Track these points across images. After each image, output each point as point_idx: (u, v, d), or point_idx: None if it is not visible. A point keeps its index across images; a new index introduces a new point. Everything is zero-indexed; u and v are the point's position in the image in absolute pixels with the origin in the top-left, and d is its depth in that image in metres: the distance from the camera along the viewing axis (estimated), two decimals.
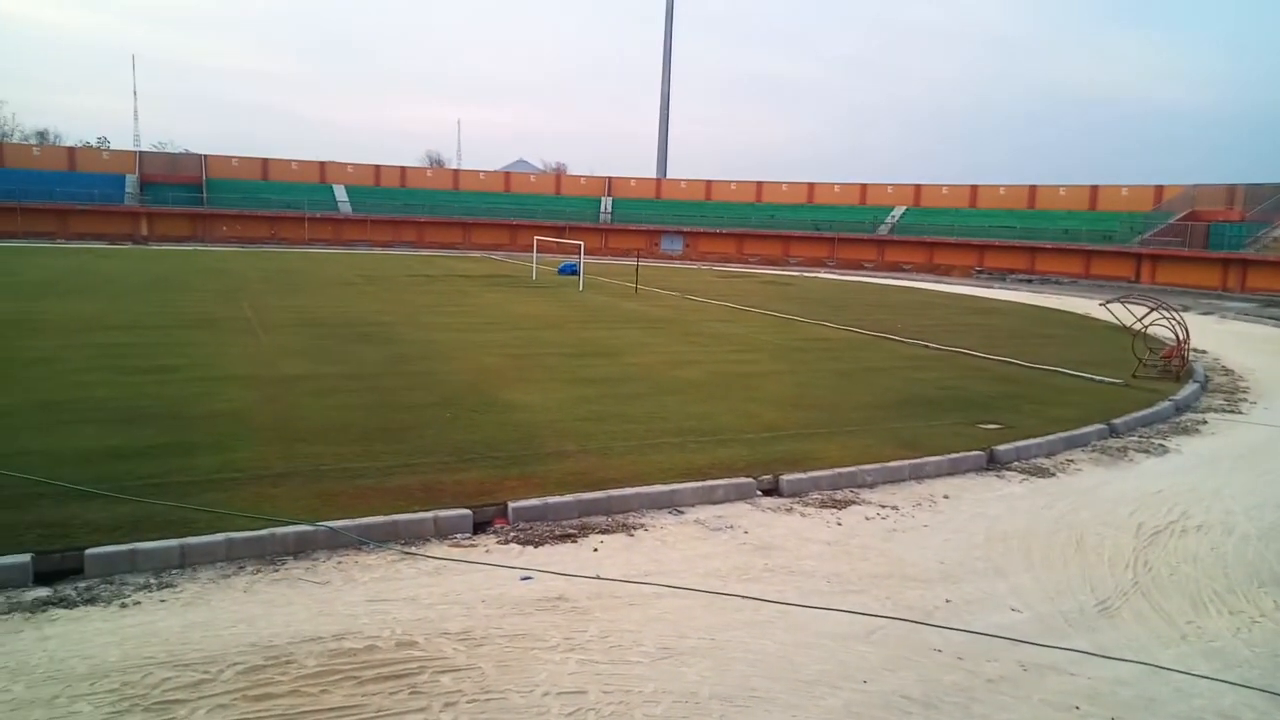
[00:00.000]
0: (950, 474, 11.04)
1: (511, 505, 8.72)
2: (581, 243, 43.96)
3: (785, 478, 10.05)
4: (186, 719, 5.00)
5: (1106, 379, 17.75)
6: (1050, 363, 19.70)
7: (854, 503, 9.77)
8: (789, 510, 9.42)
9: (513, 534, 8.35)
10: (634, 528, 8.67)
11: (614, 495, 9.17)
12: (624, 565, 7.68)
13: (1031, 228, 67.61)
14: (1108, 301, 25.85)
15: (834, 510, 9.48)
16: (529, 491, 9.10)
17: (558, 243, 50.53)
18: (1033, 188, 73.27)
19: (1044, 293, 50.02)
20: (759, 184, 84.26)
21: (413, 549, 7.86)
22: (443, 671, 5.65)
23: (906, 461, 10.96)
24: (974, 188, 76.64)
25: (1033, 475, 11.16)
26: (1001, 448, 11.79)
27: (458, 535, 8.26)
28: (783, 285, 46.82)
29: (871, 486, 10.37)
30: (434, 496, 8.81)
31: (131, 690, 5.29)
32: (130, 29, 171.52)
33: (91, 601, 6.59)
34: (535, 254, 48.63)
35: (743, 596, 7.07)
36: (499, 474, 9.67)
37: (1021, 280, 61.35)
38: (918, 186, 79.18)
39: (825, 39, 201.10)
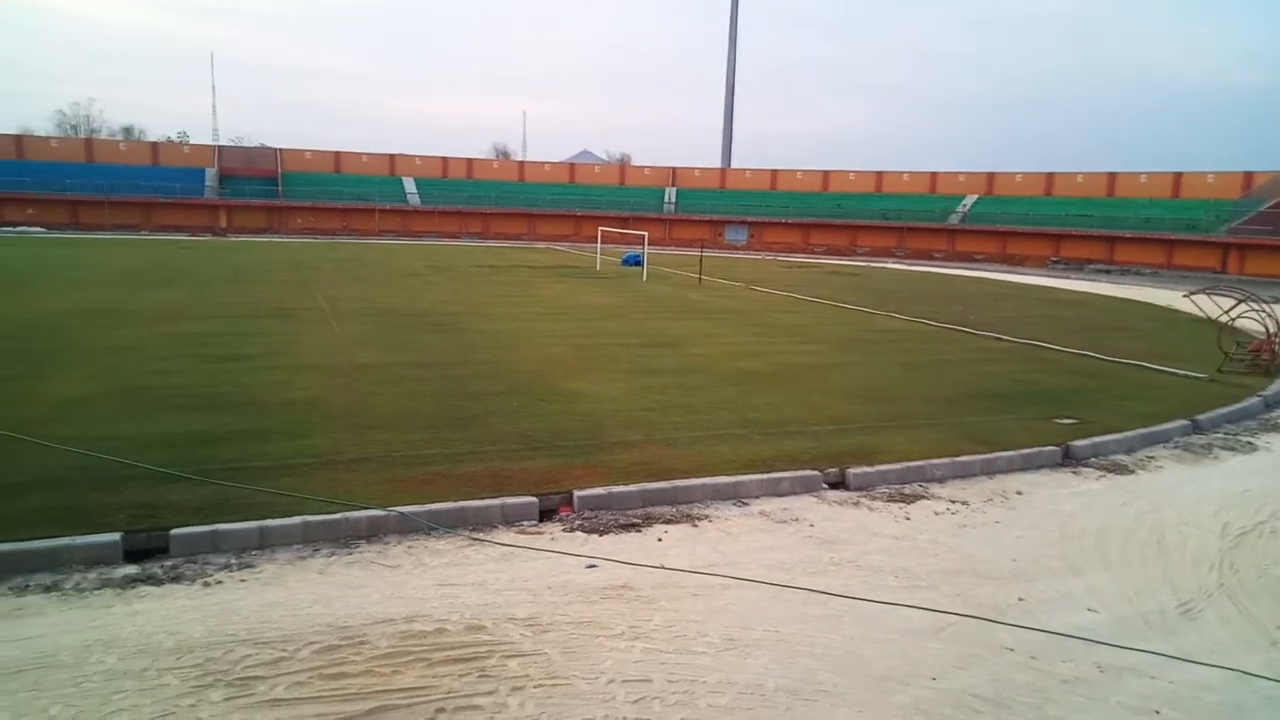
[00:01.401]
0: (1023, 469, 10.76)
1: (577, 494, 8.79)
2: (645, 233, 43.97)
3: (852, 471, 9.93)
4: (266, 695, 5.18)
5: (1191, 373, 17.08)
6: (1130, 356, 19.04)
7: (922, 497, 9.60)
8: (855, 504, 9.30)
9: (578, 522, 8.42)
10: (698, 518, 8.67)
11: (678, 486, 9.18)
12: (688, 556, 7.69)
13: (1111, 216, 65.41)
14: (1192, 293, 24.85)
15: (902, 504, 9.33)
16: (594, 480, 9.16)
17: (622, 233, 50.62)
18: (1112, 175, 70.78)
19: (1123, 284, 48.33)
20: (825, 173, 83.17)
21: (480, 535, 7.99)
22: (510, 656, 5.74)
23: (977, 456, 10.72)
24: (1050, 175, 74.41)
25: (1111, 472, 10.81)
26: (1078, 443, 11.45)
27: (524, 522, 8.37)
28: (849, 276, 46.19)
29: (941, 481, 10.17)
30: (501, 484, 8.94)
31: (214, 665, 5.50)
32: (209, 28, 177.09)
33: (177, 580, 6.86)
34: (599, 245, 48.83)
35: (808, 590, 7.02)
36: (564, 463, 9.75)
37: (1100, 271, 59.39)
38: (990, 174, 77.19)
39: (895, 24, 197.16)
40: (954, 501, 9.49)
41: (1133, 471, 10.87)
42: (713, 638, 6.13)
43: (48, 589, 6.60)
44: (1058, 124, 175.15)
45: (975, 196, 75.92)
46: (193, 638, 5.86)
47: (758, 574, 7.30)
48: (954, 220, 74.26)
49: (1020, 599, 7.03)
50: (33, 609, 6.28)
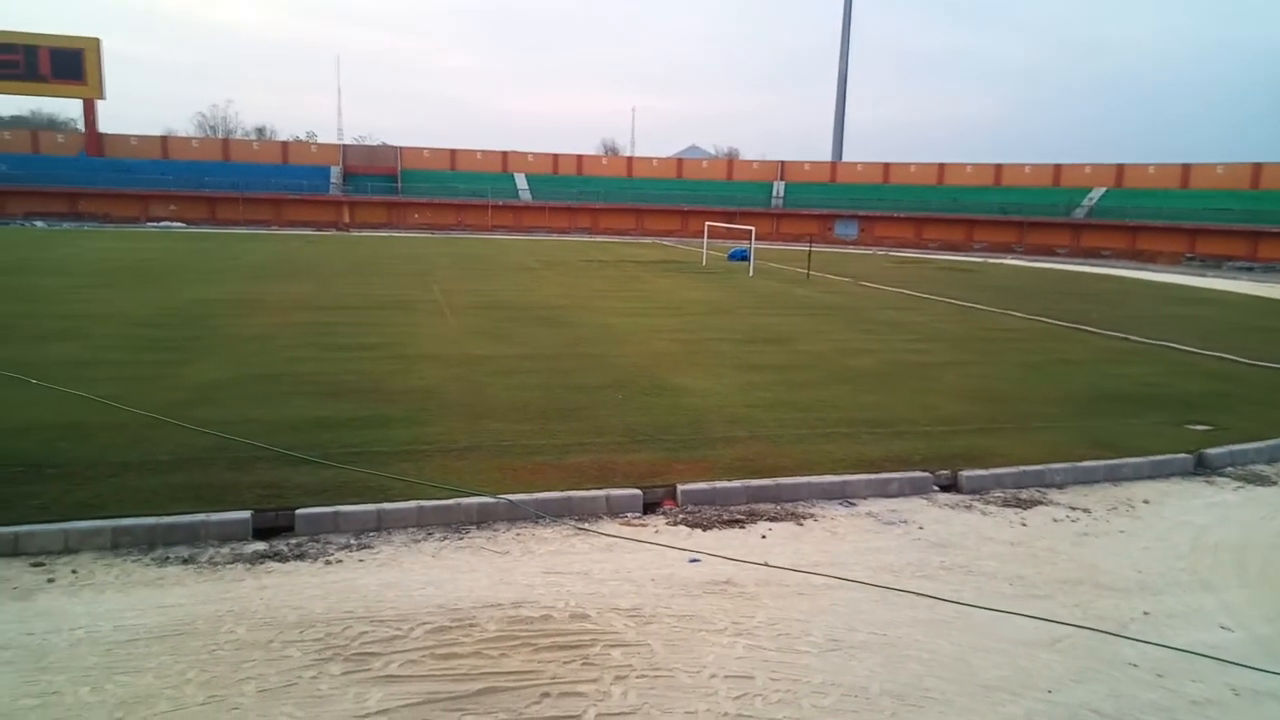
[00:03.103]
0: (1151, 477, 10.19)
1: (680, 488, 8.83)
2: (752, 228, 43.57)
3: (965, 473, 9.62)
4: (381, 671, 5.41)
5: None
6: (1275, 360, 17.75)
7: (1040, 503, 9.22)
8: (968, 507, 9.01)
9: (681, 516, 8.46)
10: (803, 517, 8.57)
11: (783, 483, 9.10)
12: (793, 554, 7.61)
13: (1254, 210, 61.09)
14: None
15: (1018, 510, 8.98)
16: (697, 475, 9.18)
17: (728, 228, 50.34)
18: (1257, 166, 66.05)
19: (1268, 282, 45.08)
20: (941, 165, 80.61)
21: (586, 525, 8.12)
22: (614, 645, 5.82)
23: (1101, 462, 10.21)
24: (1186, 167, 70.02)
25: (1250, 483, 10.12)
26: (1213, 451, 10.76)
27: (628, 514, 8.46)
28: (965, 272, 44.65)
29: (1060, 487, 9.74)
30: (606, 475, 9.06)
31: (334, 640, 5.78)
32: (335, 30, 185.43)
33: (300, 557, 7.24)
34: (706, 239, 48.72)
35: (917, 593, 6.85)
36: (668, 456, 9.80)
37: (1241, 268, 55.57)
38: (1120, 166, 73.22)
39: (1013, 8, 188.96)
40: (1074, 509, 9.07)
41: (1274, 483, 10.15)
42: (817, 638, 6.06)
43: (185, 561, 7.07)
44: (1196, 110, 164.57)
45: (1103, 189, 72.18)
46: (314, 613, 6.17)
47: (864, 575, 7.17)
48: (1079, 214, 70.82)
49: (1145, 613, 6.68)
50: (172, 579, 6.74)
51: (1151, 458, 10.44)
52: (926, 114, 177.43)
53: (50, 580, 6.64)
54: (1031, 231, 71.06)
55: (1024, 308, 26.80)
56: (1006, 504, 9.14)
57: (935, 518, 8.70)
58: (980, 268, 49.30)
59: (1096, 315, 25.18)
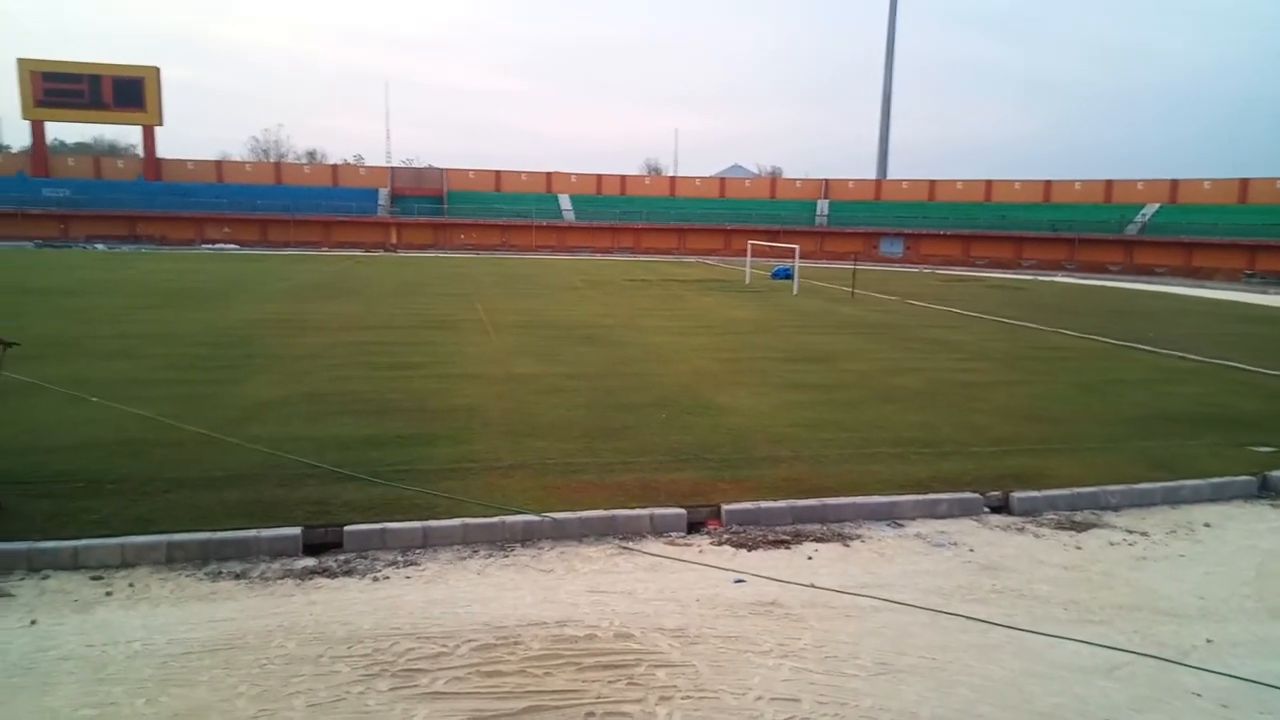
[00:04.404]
0: (1212, 500, 9.87)
1: (725, 507, 8.77)
2: (796, 246, 43.41)
3: (1016, 495, 9.42)
4: (428, 687, 5.43)
5: None
6: None
7: (1095, 525, 8.98)
8: (1020, 530, 8.82)
9: (725, 536, 8.39)
10: (850, 538, 8.45)
11: (829, 504, 8.99)
12: (839, 575, 7.51)
13: None
14: None
15: (1072, 532, 8.76)
16: (742, 495, 9.11)
17: (771, 246, 50.20)
18: None
19: None
20: (988, 182, 79.70)
21: (630, 544, 8.10)
22: (658, 666, 5.78)
23: (1159, 484, 9.92)
24: (1244, 181, 68.36)
25: None
26: (1278, 473, 10.41)
27: (672, 534, 8.42)
28: (1014, 290, 43.94)
29: (1116, 509, 9.48)
30: (650, 494, 9.04)
31: (381, 656, 5.82)
32: (384, 55, 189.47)
33: (349, 573, 7.32)
34: (749, 258, 48.62)
35: (967, 617, 6.70)
36: (712, 476, 9.75)
37: None
38: (1174, 182, 71.73)
39: (1061, 21, 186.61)
40: (1131, 532, 8.83)
41: None
42: (864, 661, 5.95)
43: (237, 576, 7.19)
44: (1254, 122, 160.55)
45: (1156, 205, 70.70)
46: (362, 629, 6.23)
47: (913, 598, 7.04)
48: (1131, 231, 69.41)
49: (1208, 640, 6.45)
50: (224, 594, 6.85)
51: (1212, 480, 10.13)
52: (969, 129, 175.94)
53: (108, 594, 6.80)
54: (1082, 248, 69.76)
55: (1076, 326, 26.27)
56: (1060, 526, 8.92)
57: (986, 540, 8.52)
58: (1030, 285, 48.47)
59: (1153, 334, 24.59)
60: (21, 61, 72.28)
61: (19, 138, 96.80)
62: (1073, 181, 76.62)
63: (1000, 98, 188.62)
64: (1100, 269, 66.85)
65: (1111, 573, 7.74)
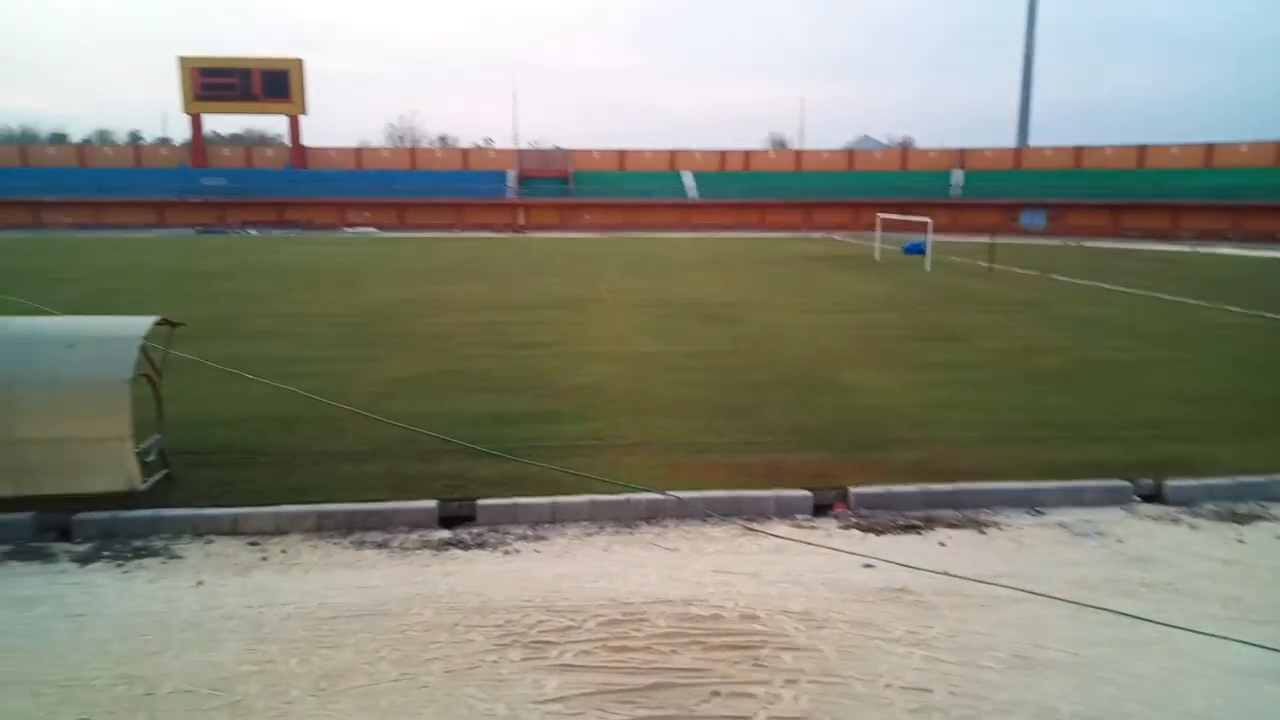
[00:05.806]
0: None
1: (853, 490, 8.59)
2: (929, 220, 41.78)
3: (1170, 483, 8.81)
4: (557, 659, 5.58)
5: None
6: None
7: (1261, 518, 8.31)
8: (1174, 520, 8.26)
9: (853, 520, 8.23)
10: (985, 525, 8.13)
11: (964, 489, 8.66)
12: (974, 563, 7.24)
13: None
14: None
15: (1234, 525, 8.14)
16: (870, 478, 8.90)
17: (903, 219, 48.50)
18: None
19: None
20: (1141, 148, 74.53)
21: (754, 525, 8.05)
22: (784, 649, 5.73)
23: None
24: None
25: None
26: None
27: (798, 516, 8.32)
28: (1170, 262, 41.03)
29: None
30: (775, 475, 8.95)
31: (513, 627, 6.02)
32: (511, 38, 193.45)
33: (481, 546, 7.59)
34: (879, 233, 47.21)
35: (1114, 611, 6.33)
36: (839, 458, 9.56)
37: None
38: None
39: None
40: None
41: None
42: (1001, 653, 5.72)
43: (379, 545, 7.57)
44: None
45: None
46: (494, 600, 6.45)
47: (1054, 589, 6.71)
48: None
49: None
50: (368, 562, 7.24)
51: None
52: (1119, 93, 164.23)
53: (264, 559, 7.30)
54: (1249, 216, 64.32)
55: (1240, 301, 24.30)
56: (1220, 518, 8.30)
57: (1136, 530, 8.03)
58: (1188, 258, 45.14)
59: None
60: (183, 60, 77.57)
61: (180, 131, 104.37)
62: (1238, 145, 70.61)
63: (1147, 57, 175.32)
64: (1270, 238, 61.49)
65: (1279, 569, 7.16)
